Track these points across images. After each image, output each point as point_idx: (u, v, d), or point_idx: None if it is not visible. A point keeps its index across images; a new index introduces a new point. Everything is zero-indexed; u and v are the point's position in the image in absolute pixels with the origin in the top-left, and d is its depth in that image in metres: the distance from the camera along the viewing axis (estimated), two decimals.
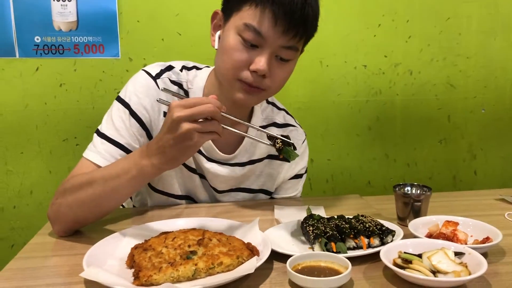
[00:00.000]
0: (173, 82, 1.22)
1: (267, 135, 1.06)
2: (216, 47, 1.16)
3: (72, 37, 1.88)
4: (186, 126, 0.91)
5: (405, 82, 2.14)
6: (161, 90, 1.00)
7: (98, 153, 1.13)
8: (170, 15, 1.93)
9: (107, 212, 1.11)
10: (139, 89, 1.18)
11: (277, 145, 1.02)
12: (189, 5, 1.93)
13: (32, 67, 1.88)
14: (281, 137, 1.03)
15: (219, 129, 0.95)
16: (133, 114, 1.17)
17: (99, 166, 1.11)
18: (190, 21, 1.94)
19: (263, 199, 1.40)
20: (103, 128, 1.17)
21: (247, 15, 1.06)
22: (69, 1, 1.85)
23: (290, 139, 1.04)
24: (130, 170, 1.00)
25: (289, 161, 1.06)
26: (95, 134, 1.17)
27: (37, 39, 1.86)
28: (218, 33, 1.16)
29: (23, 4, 1.82)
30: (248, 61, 1.08)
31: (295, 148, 1.04)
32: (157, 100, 1.03)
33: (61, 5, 1.85)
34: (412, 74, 2.13)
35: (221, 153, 1.26)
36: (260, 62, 1.07)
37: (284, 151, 1.02)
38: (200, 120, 0.93)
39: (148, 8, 1.91)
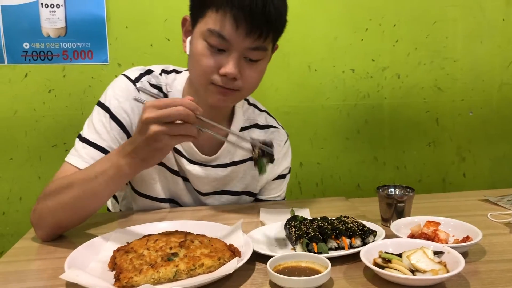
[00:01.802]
0: (152, 85, 1.23)
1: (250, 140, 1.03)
2: (187, 52, 1.17)
3: (61, 43, 1.89)
4: (154, 128, 0.91)
5: (393, 85, 2.15)
6: (136, 88, 1.00)
7: (80, 157, 1.14)
8: (158, 21, 1.94)
9: (89, 214, 1.11)
10: (119, 93, 1.20)
11: (254, 155, 0.99)
12: (178, 11, 1.91)
13: (21, 74, 1.89)
14: (262, 145, 0.98)
15: (192, 132, 0.95)
16: (113, 117, 1.18)
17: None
18: (179, 26, 1.91)
19: (247, 201, 1.40)
20: (84, 133, 1.19)
21: (210, 21, 1.08)
22: (58, 7, 1.86)
23: (272, 147, 1.01)
24: (107, 170, 1.00)
25: (259, 173, 1.02)
26: (77, 139, 1.19)
27: (26, 45, 1.87)
28: (189, 39, 1.17)
29: (11, 10, 1.83)
30: (216, 65, 1.09)
31: (272, 160, 1.00)
32: (133, 99, 1.04)
33: (50, 11, 1.85)
34: (400, 77, 2.15)
35: (202, 155, 1.27)
36: (228, 65, 1.08)
37: (258, 162, 0.99)
38: (172, 122, 0.93)
39: (136, 14, 1.92)
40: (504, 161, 2.29)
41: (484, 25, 2.15)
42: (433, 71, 2.17)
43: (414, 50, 2.14)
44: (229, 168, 1.32)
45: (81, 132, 1.20)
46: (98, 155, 1.14)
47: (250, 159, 1.34)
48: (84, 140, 1.17)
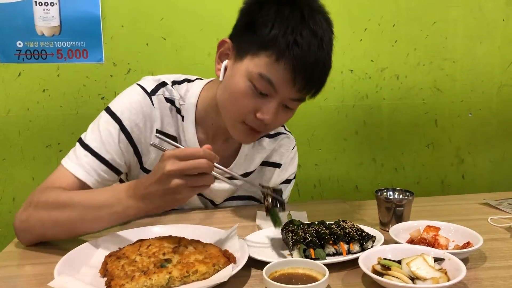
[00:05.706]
0: (166, 99, 1.18)
1: (260, 185, 1.01)
2: (221, 78, 1.11)
3: (55, 42, 1.86)
4: (176, 182, 0.87)
5: (392, 86, 2.13)
6: (151, 144, 0.95)
7: (80, 166, 1.08)
8: (154, 20, 1.91)
9: (80, 235, 1.06)
10: (134, 105, 1.14)
11: (266, 203, 0.96)
12: (174, 10, 1.91)
13: (14, 72, 1.86)
14: (274, 195, 0.96)
15: (210, 182, 0.92)
16: (123, 130, 1.12)
17: (80, 180, 1.07)
18: (175, 25, 1.92)
19: (254, 204, 1.38)
20: (87, 138, 1.11)
21: (264, 64, 1.02)
22: (52, 5, 1.83)
23: (282, 194, 1.00)
24: (113, 205, 0.94)
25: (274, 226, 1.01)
26: (77, 144, 1.12)
27: (19, 44, 1.83)
28: (225, 63, 1.11)
29: (4, 8, 1.80)
30: (255, 108, 1.06)
31: (283, 209, 0.98)
32: (151, 144, 0.97)
33: (44, 9, 1.82)
34: (399, 78, 2.13)
35: None
36: (268, 112, 1.05)
37: (271, 213, 0.96)
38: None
39: (132, 13, 1.89)
40: (503, 163, 2.27)
41: (484, 25, 2.13)
42: (432, 72, 2.15)
43: (413, 50, 2.11)
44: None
45: (83, 136, 1.13)
46: (99, 167, 1.09)
47: (263, 163, 1.35)
48: (87, 147, 1.10)
